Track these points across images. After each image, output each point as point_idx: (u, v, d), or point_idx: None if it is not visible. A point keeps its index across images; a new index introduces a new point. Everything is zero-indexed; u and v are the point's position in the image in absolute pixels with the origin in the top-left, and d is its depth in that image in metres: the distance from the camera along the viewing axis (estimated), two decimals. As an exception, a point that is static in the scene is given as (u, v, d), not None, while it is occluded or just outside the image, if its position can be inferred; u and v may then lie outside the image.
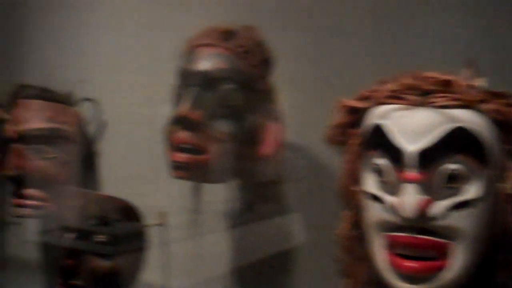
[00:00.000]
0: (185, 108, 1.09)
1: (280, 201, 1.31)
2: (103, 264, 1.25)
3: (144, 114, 1.54)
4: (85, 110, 1.52)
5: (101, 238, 1.25)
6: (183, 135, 1.10)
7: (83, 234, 1.25)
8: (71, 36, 1.63)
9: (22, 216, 1.47)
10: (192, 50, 1.16)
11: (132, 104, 1.55)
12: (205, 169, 1.10)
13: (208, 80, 1.11)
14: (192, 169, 1.10)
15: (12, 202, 1.48)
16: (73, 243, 1.24)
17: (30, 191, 1.45)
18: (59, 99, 1.47)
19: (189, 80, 1.12)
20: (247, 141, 1.13)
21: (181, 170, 1.10)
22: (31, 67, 1.65)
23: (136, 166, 1.56)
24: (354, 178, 0.90)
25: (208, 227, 1.39)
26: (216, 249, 1.39)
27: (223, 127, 1.11)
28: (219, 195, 1.34)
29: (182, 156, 1.10)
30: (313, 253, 1.35)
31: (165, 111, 1.48)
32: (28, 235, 1.68)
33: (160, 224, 1.36)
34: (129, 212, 1.30)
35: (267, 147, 1.15)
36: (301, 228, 1.35)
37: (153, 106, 1.53)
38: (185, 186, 1.44)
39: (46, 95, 1.46)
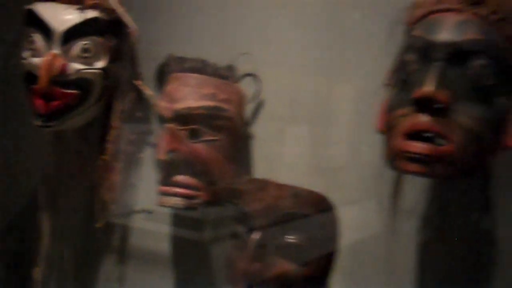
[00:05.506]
0: (430, 87, 0.88)
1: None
2: (293, 269, 1.06)
3: (309, 93, 1.34)
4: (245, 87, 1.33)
5: (291, 239, 1.07)
6: (426, 120, 0.89)
7: (271, 234, 1.07)
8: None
9: (170, 207, 1.28)
10: (428, 16, 0.95)
11: (296, 82, 1.35)
12: (447, 163, 0.90)
13: (456, 54, 0.91)
14: (433, 163, 0.90)
15: (159, 190, 1.30)
16: (258, 244, 1.06)
17: (182, 178, 1.28)
18: (220, 74, 1.28)
19: (431, 53, 0.91)
20: (493, 129, 0.92)
21: (418, 163, 0.90)
22: (182, 38, 1.45)
23: (292, 154, 1.37)
24: None
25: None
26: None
27: (470, 111, 0.90)
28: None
29: (421, 146, 0.90)
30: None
31: (342, 93, 1.30)
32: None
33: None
34: (322, 206, 1.11)
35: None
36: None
37: (325, 84, 1.33)
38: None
39: (207, 68, 1.27)
